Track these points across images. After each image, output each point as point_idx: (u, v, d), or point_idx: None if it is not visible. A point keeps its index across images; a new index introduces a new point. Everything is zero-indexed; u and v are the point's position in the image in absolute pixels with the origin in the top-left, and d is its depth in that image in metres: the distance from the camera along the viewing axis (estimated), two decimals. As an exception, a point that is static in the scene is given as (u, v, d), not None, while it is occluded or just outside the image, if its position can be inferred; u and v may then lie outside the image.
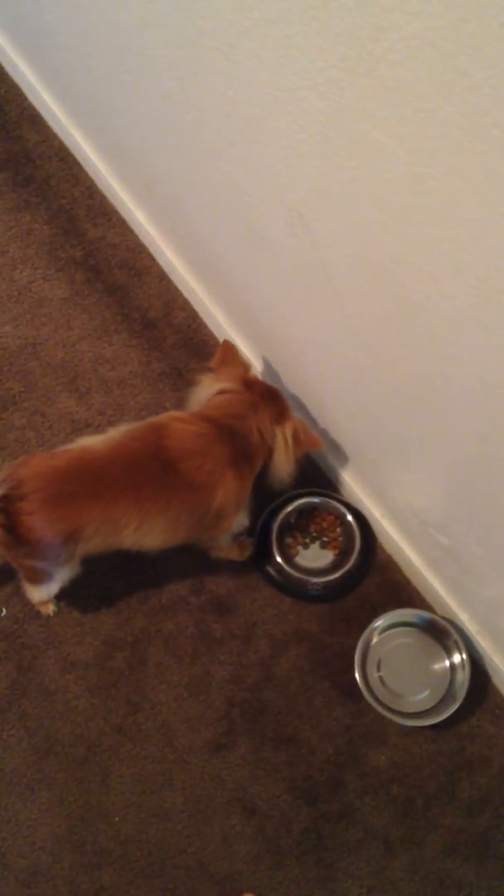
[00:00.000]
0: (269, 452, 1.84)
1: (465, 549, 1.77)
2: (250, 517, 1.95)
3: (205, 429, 1.75)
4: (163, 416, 1.80)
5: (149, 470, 1.68)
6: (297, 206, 1.46)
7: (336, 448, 2.09)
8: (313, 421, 2.11)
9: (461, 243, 1.09)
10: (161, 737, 2.00)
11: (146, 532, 1.71)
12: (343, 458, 2.10)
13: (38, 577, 1.81)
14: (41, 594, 1.91)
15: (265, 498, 2.08)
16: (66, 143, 2.59)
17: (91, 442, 1.73)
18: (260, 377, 2.01)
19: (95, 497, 1.63)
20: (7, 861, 1.90)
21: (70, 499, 1.62)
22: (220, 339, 2.36)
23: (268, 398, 1.84)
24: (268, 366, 2.20)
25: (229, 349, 1.93)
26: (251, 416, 1.79)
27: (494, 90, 0.86)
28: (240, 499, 1.81)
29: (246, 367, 1.92)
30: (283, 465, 1.86)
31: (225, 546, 2.00)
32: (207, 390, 1.88)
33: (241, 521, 1.91)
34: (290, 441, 1.83)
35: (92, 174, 2.56)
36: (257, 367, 2.23)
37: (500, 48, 0.83)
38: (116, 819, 1.93)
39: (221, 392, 1.84)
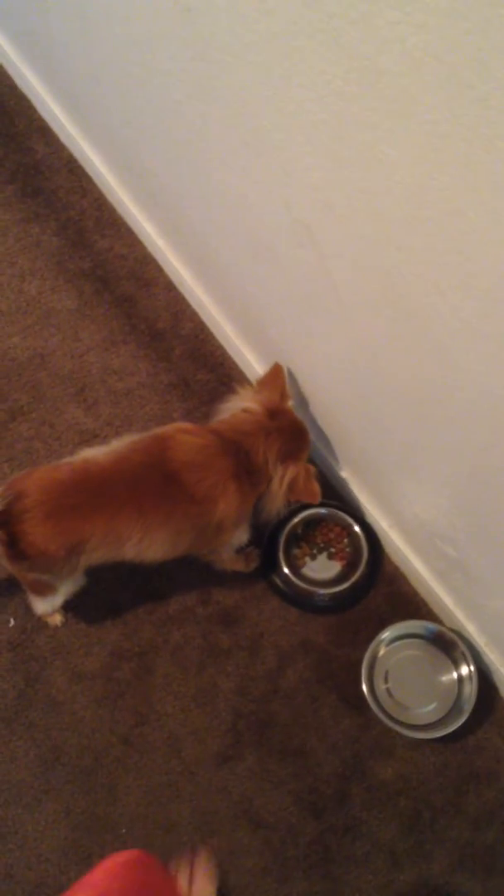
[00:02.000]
0: (269, 480, 1.81)
1: (472, 560, 1.76)
2: (252, 532, 1.94)
3: (210, 441, 1.74)
4: (168, 428, 1.80)
5: (151, 482, 1.67)
6: (303, 218, 1.46)
7: (343, 459, 2.09)
8: (320, 431, 2.11)
9: (466, 255, 1.09)
10: (168, 748, 1.99)
11: (148, 544, 1.71)
12: (350, 468, 2.10)
13: (42, 590, 1.81)
14: (45, 606, 1.91)
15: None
16: (75, 154, 2.60)
17: (94, 454, 1.72)
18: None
19: (98, 509, 1.63)
20: (13, 872, 1.90)
21: (73, 511, 1.62)
22: (228, 350, 2.38)
23: (286, 433, 1.80)
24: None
25: (277, 372, 1.89)
26: (261, 439, 1.76)
27: (499, 102, 0.86)
28: (241, 514, 1.80)
29: (286, 396, 1.88)
30: (273, 501, 1.83)
31: (227, 559, 2.00)
32: (237, 403, 1.86)
33: (240, 536, 1.90)
34: (285, 484, 1.80)
35: (100, 185, 2.57)
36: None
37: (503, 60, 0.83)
38: (123, 830, 1.93)
39: (244, 410, 1.83)
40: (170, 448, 1.71)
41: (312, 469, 1.85)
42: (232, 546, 1.91)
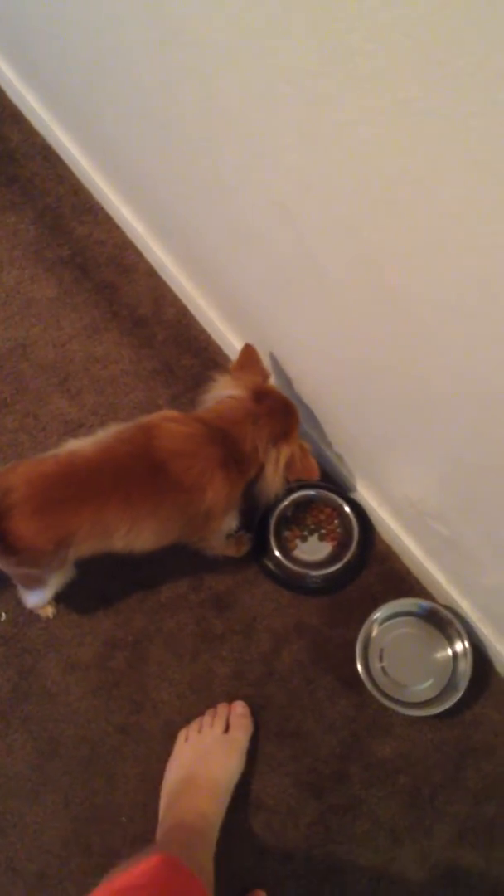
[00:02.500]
0: (261, 467, 1.80)
1: (463, 538, 1.76)
2: (240, 518, 1.93)
3: (196, 429, 1.72)
4: (153, 416, 1.78)
5: (138, 471, 1.66)
6: (281, 199, 1.44)
7: (331, 439, 2.08)
8: (307, 412, 2.10)
9: (447, 234, 1.08)
10: (165, 735, 1.99)
11: (137, 534, 1.69)
12: (339, 449, 2.09)
13: (32, 583, 1.80)
14: (35, 599, 1.90)
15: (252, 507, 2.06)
16: (49, 141, 2.57)
17: (79, 445, 1.70)
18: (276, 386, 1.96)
19: (85, 501, 1.61)
20: (15, 865, 1.90)
21: (59, 505, 1.60)
22: (212, 335, 2.36)
23: (275, 414, 1.78)
24: (261, 358, 2.18)
25: (250, 353, 1.89)
26: (249, 426, 1.75)
27: (472, 78, 0.84)
28: (229, 502, 1.79)
29: (265, 374, 1.88)
30: (271, 484, 1.82)
31: (217, 545, 1.99)
32: (219, 392, 1.85)
33: (229, 523, 1.89)
34: (281, 464, 1.79)
35: (76, 172, 2.54)
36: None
37: (477, 36, 0.81)
38: (123, 819, 1.93)
39: (229, 398, 1.81)
40: (156, 437, 1.70)
41: (307, 445, 1.84)
42: (221, 533, 1.90)
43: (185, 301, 2.40)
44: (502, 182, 0.92)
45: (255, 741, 1.98)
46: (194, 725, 1.95)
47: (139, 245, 2.45)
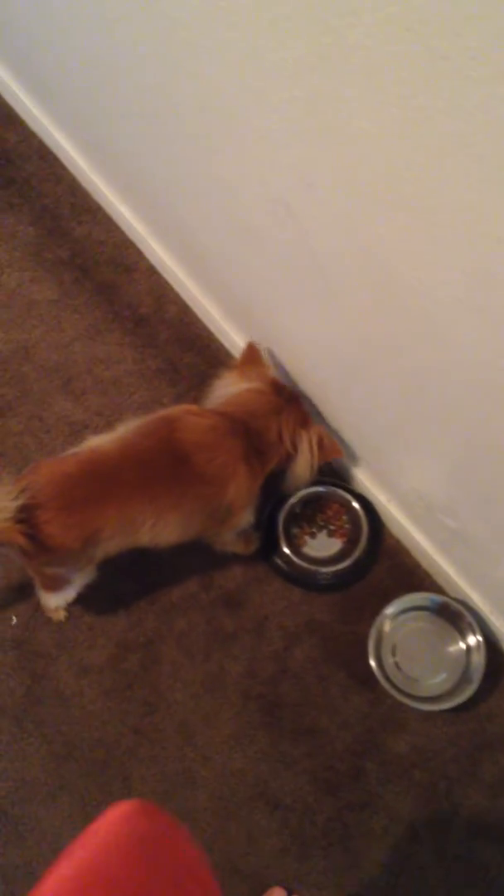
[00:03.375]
0: (286, 455, 1.83)
1: (472, 530, 1.75)
2: (255, 514, 1.94)
3: (218, 422, 1.73)
4: (174, 409, 1.79)
5: (161, 465, 1.67)
6: (282, 196, 1.43)
7: (338, 435, 2.07)
8: (312, 408, 2.09)
9: (450, 227, 1.07)
10: (179, 736, 1.99)
11: (162, 528, 1.70)
12: (345, 444, 2.08)
13: (57, 584, 1.80)
14: (58, 601, 1.90)
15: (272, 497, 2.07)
16: (46, 141, 2.55)
17: (100, 442, 1.71)
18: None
19: (110, 498, 1.62)
20: (33, 870, 1.90)
21: (85, 503, 1.61)
22: (214, 332, 2.35)
23: (295, 402, 1.86)
24: (263, 355, 2.17)
25: (254, 350, 1.93)
26: (273, 417, 1.79)
27: (474, 72, 0.83)
28: (250, 495, 1.80)
29: (269, 369, 1.92)
30: (305, 470, 1.86)
31: (229, 541, 1.99)
32: (230, 388, 1.87)
33: (247, 517, 1.90)
34: (315, 447, 1.84)
35: (74, 172, 2.52)
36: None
37: (477, 29, 0.80)
38: (140, 821, 1.93)
39: (248, 391, 1.84)
40: (178, 430, 1.71)
41: (323, 427, 1.90)
42: (240, 527, 1.91)
43: (186, 299, 2.39)
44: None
45: (270, 738, 1.97)
46: None
47: (139, 244, 2.44)
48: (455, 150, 0.95)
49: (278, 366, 2.05)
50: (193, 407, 1.81)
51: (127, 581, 2.10)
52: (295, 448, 1.84)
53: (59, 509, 1.59)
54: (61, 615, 2.05)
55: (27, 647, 2.05)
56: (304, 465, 1.86)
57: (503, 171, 0.91)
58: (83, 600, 2.03)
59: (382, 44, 0.93)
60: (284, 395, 1.85)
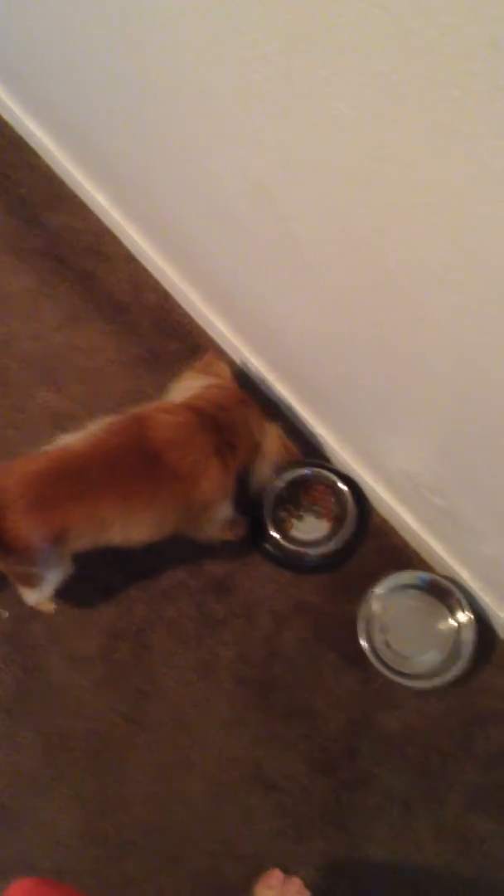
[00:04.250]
0: (255, 447, 1.83)
1: (460, 508, 1.76)
2: (234, 505, 1.93)
3: (188, 418, 1.72)
4: (145, 407, 1.77)
5: (132, 464, 1.65)
6: (260, 179, 1.42)
7: (323, 417, 2.07)
8: (296, 391, 2.09)
9: (429, 206, 1.06)
10: (173, 722, 1.99)
11: (134, 527, 1.69)
12: (331, 426, 2.08)
13: (31, 581, 1.79)
14: (35, 596, 1.89)
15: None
16: (19, 131, 2.53)
17: (70, 440, 1.70)
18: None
19: (79, 497, 1.61)
20: (31, 861, 1.90)
21: (54, 502, 1.59)
22: (195, 318, 2.34)
23: (252, 399, 1.87)
24: (246, 339, 2.17)
25: (212, 356, 1.98)
26: (240, 409, 1.80)
27: (448, 48, 0.83)
28: (225, 489, 1.79)
29: (226, 369, 1.94)
30: (268, 466, 1.87)
31: (212, 533, 1.98)
32: (193, 383, 1.87)
33: (225, 511, 1.89)
34: (279, 439, 1.86)
35: (48, 161, 2.50)
36: (236, 345, 2.21)
37: (450, 5, 0.80)
38: (136, 809, 1.94)
39: (213, 386, 1.84)
40: (149, 428, 1.69)
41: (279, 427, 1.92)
42: (217, 522, 1.90)
43: (166, 286, 2.37)
44: (481, 151, 0.91)
45: (264, 722, 1.98)
46: None
47: (116, 231, 2.43)
48: (430, 128, 0.94)
49: (262, 349, 2.06)
50: (164, 404, 1.81)
51: (115, 570, 2.09)
52: (262, 439, 1.85)
53: (27, 510, 1.57)
54: (50, 607, 2.05)
55: (18, 639, 2.05)
56: (268, 460, 1.87)
57: (477, 146, 0.91)
58: (72, 592, 2.02)
59: (355, 22, 0.93)
60: (244, 391, 1.87)
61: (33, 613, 2.06)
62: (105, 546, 1.73)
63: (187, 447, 1.69)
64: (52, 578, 1.81)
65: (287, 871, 1.85)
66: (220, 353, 1.96)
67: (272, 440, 1.85)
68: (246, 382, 2.05)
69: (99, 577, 2.08)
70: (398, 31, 0.88)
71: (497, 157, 0.89)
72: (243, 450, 1.80)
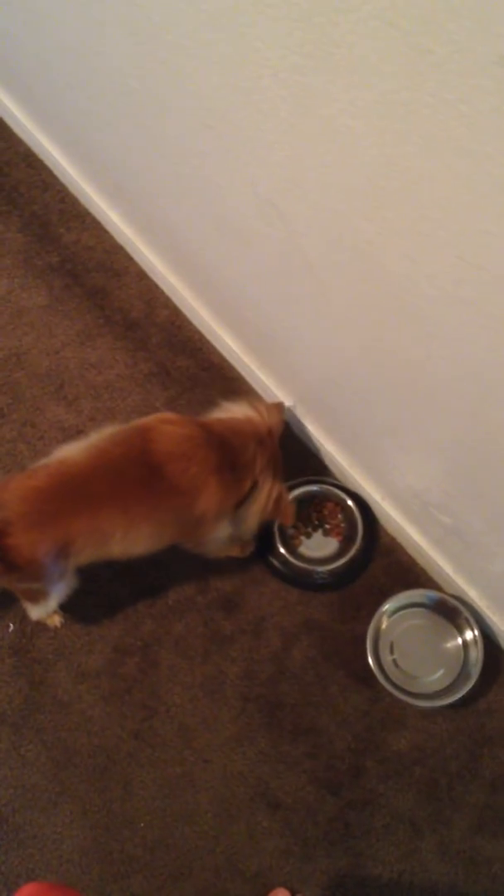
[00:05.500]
0: (252, 484, 1.80)
1: (467, 526, 1.75)
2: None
3: (194, 432, 1.71)
4: (150, 419, 1.76)
5: (133, 475, 1.64)
6: (270, 196, 1.43)
7: (331, 433, 2.08)
8: (306, 408, 2.09)
9: (438, 222, 1.07)
10: (179, 739, 1.99)
11: (134, 538, 1.67)
12: (339, 443, 2.09)
13: (35, 597, 1.79)
14: (40, 612, 1.88)
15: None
16: (34, 148, 2.55)
17: (70, 452, 1.67)
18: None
19: (80, 510, 1.59)
20: (35, 876, 1.89)
21: (55, 517, 1.58)
22: (206, 335, 2.36)
23: (275, 455, 1.85)
24: (255, 356, 2.18)
25: (280, 408, 1.96)
26: (252, 441, 1.78)
27: (458, 65, 0.84)
28: (222, 508, 1.76)
29: (278, 427, 1.91)
30: (255, 514, 1.85)
31: (215, 550, 1.97)
32: (235, 408, 1.87)
33: (223, 530, 1.86)
34: (272, 499, 1.84)
35: (62, 178, 2.53)
36: (245, 361, 2.22)
37: (460, 22, 0.81)
38: (141, 825, 1.93)
39: (247, 417, 1.84)
40: (152, 440, 1.68)
41: (285, 488, 1.90)
42: (217, 539, 1.89)
43: (177, 302, 2.39)
44: (490, 167, 0.92)
45: (270, 739, 1.97)
46: None
47: (128, 248, 2.45)
48: (439, 144, 0.95)
49: (274, 365, 2.06)
50: (170, 415, 1.78)
51: (123, 586, 2.09)
52: (257, 484, 1.81)
53: (28, 526, 1.56)
54: (56, 621, 2.05)
55: (25, 653, 2.05)
56: (256, 508, 1.84)
57: (487, 162, 0.92)
58: (79, 606, 2.03)
59: (366, 39, 0.94)
60: (271, 440, 1.83)
61: (40, 627, 2.06)
62: (105, 559, 1.72)
63: (188, 460, 1.67)
64: (57, 593, 1.80)
65: (292, 891, 1.85)
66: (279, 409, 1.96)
67: (267, 493, 1.83)
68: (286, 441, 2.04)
69: (106, 592, 2.08)
70: (408, 49, 0.89)
71: (505, 173, 0.90)
72: (246, 477, 1.78)
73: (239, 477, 1.76)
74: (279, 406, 1.96)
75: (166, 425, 1.72)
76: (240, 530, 1.89)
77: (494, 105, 0.84)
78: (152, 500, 1.66)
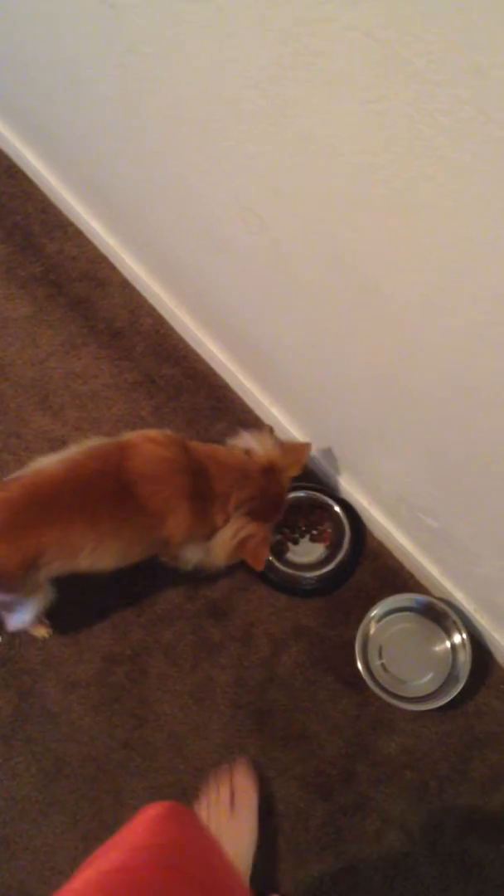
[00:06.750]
0: (224, 518, 1.75)
1: (454, 530, 1.76)
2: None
3: (175, 455, 1.69)
4: (135, 435, 1.74)
5: (105, 491, 1.62)
6: (253, 206, 1.44)
7: (316, 439, 2.08)
8: (290, 414, 2.10)
9: (420, 230, 1.08)
10: (169, 748, 1.99)
11: (102, 554, 1.66)
12: (325, 450, 2.09)
13: (9, 608, 1.77)
14: (16, 623, 1.85)
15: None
16: (15, 159, 2.56)
17: (45, 464, 1.66)
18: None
19: (51, 523, 1.58)
20: (27, 888, 1.88)
21: (25, 529, 1.57)
22: (190, 343, 2.36)
23: (267, 496, 1.77)
24: (240, 363, 2.18)
25: (303, 450, 1.88)
26: (234, 475, 1.73)
27: (436, 75, 0.85)
28: (190, 535, 1.74)
29: (295, 469, 1.85)
30: (219, 550, 1.80)
31: (195, 566, 1.93)
32: (250, 442, 1.82)
33: (193, 553, 1.84)
34: (238, 538, 1.76)
35: (44, 188, 2.53)
36: (230, 368, 2.22)
37: (437, 33, 0.82)
38: (133, 834, 1.92)
39: (246, 451, 1.79)
40: (129, 458, 1.66)
41: (271, 539, 1.84)
42: (189, 561, 1.87)
43: (161, 311, 2.39)
44: (471, 177, 0.93)
45: (260, 746, 1.97)
46: (203, 803, 1.88)
47: (112, 258, 2.45)
48: (419, 153, 0.96)
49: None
50: (156, 434, 1.74)
51: (111, 595, 2.09)
52: (227, 519, 1.75)
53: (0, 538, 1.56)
54: (43, 632, 2.04)
55: (13, 664, 2.04)
56: (218, 546, 1.79)
57: (466, 170, 0.93)
58: (67, 616, 2.03)
59: (344, 51, 0.95)
60: (265, 480, 1.76)
61: (27, 639, 2.05)
62: (73, 573, 1.70)
63: (161, 484, 1.66)
64: (31, 605, 1.77)
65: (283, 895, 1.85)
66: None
67: (234, 532, 1.76)
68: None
69: (94, 602, 2.08)
70: (386, 60, 0.90)
71: (484, 180, 0.91)
72: (218, 508, 1.73)
73: (211, 508, 1.72)
74: (300, 447, 1.88)
75: (149, 444, 1.70)
76: (209, 560, 1.86)
77: (471, 114, 0.85)
78: (120, 517, 1.65)
